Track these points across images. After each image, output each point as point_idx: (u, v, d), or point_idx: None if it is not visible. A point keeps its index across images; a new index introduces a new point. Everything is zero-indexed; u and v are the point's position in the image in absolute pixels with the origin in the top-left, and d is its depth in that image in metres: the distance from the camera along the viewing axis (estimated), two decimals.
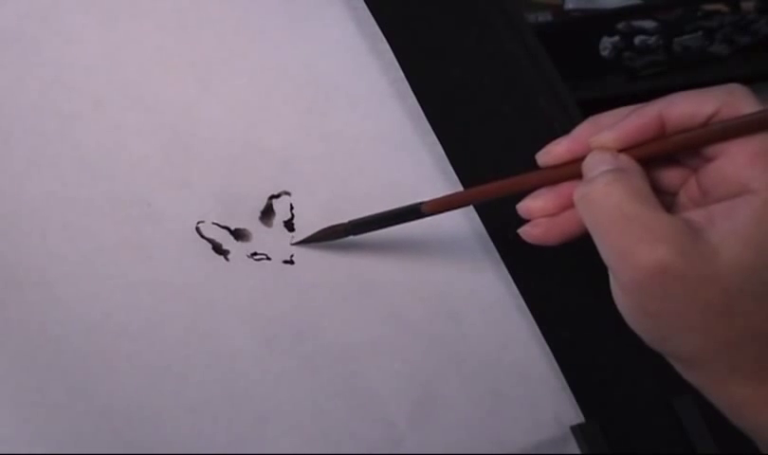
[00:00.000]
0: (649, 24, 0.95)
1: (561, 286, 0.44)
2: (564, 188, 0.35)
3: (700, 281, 0.30)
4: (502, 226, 0.44)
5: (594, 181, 0.32)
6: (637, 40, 0.94)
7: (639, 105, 0.34)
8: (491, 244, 0.44)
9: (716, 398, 0.32)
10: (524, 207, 0.36)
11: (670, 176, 0.34)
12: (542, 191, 0.36)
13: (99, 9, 0.45)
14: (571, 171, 0.34)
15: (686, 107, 0.32)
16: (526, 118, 0.50)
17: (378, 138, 0.46)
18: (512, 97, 0.51)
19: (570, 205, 0.34)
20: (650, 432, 0.42)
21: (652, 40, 0.94)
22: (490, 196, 0.37)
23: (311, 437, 0.37)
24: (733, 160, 0.31)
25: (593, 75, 0.94)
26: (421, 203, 0.39)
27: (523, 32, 0.53)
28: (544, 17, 0.96)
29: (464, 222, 0.44)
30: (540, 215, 0.35)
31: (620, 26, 0.94)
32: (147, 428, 0.35)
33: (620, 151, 0.33)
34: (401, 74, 0.48)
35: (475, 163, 0.47)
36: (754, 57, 0.96)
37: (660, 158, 0.34)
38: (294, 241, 0.42)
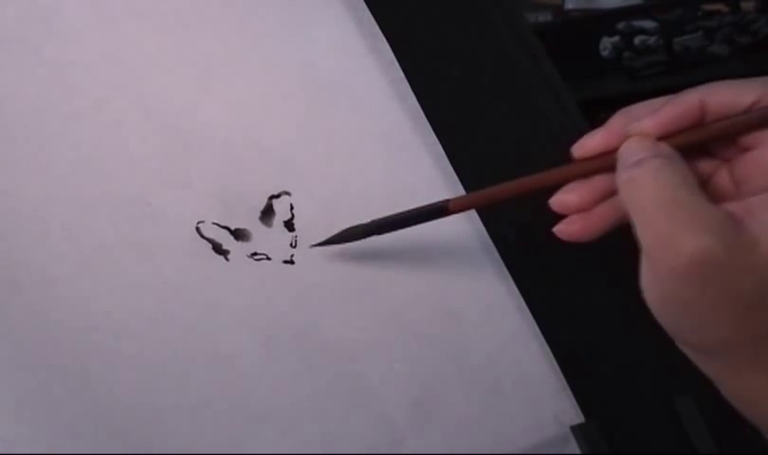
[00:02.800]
0: (648, 24, 0.95)
1: (561, 286, 0.44)
2: (597, 181, 0.35)
3: (738, 271, 0.29)
4: (502, 226, 0.44)
5: (641, 165, 0.32)
6: (637, 40, 0.94)
7: (676, 94, 0.33)
8: (491, 243, 0.44)
9: (731, 390, 0.32)
10: (558, 201, 0.35)
11: (701, 166, 0.34)
12: (574, 184, 0.35)
13: (99, 10, 0.45)
14: (603, 163, 0.34)
15: (727, 95, 0.32)
16: (526, 118, 0.50)
17: (378, 138, 0.46)
18: (512, 97, 0.51)
19: (603, 198, 0.34)
20: (650, 432, 0.42)
21: (652, 40, 0.94)
22: (520, 193, 0.36)
23: (311, 437, 0.37)
24: None
25: (593, 75, 0.94)
26: (447, 201, 0.38)
27: (523, 32, 0.53)
28: (544, 17, 0.97)
29: (464, 222, 0.44)
30: (576, 209, 0.35)
31: (620, 26, 0.94)
32: (147, 428, 0.35)
33: (659, 139, 0.33)
34: (401, 74, 0.48)
35: (475, 163, 0.47)
36: (754, 57, 0.96)
37: (697, 147, 0.33)
38: (312, 244, 0.41)
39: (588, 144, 0.35)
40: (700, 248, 0.29)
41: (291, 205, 0.43)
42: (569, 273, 0.45)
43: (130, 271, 0.39)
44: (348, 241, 0.41)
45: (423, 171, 0.46)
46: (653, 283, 0.31)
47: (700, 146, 0.34)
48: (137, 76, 0.44)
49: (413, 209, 0.39)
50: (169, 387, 0.36)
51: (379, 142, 0.46)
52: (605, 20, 0.94)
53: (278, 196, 0.43)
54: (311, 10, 0.49)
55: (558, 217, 0.37)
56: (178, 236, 0.40)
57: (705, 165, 0.34)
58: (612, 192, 0.35)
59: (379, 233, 0.40)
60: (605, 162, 0.34)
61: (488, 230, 0.44)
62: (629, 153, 0.33)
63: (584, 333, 0.44)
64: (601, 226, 0.35)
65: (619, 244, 0.45)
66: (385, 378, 0.39)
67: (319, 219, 0.42)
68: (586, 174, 0.35)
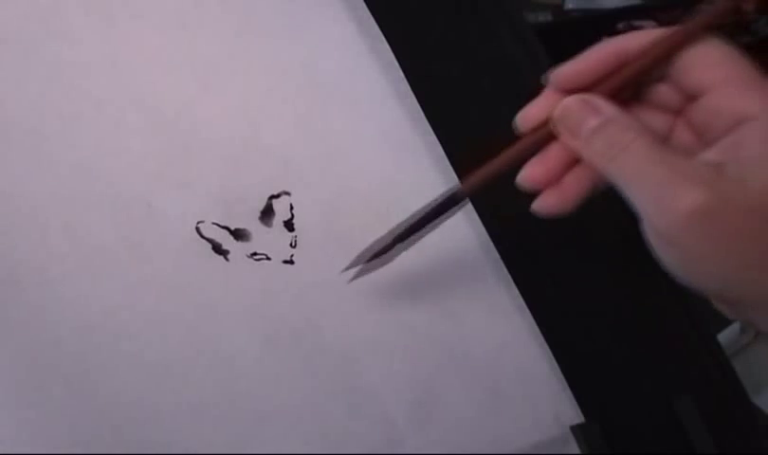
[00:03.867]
0: (648, 24, 0.95)
1: (561, 286, 0.44)
2: (555, 150, 0.35)
3: (739, 214, 0.30)
4: (502, 226, 0.44)
5: (617, 143, 0.32)
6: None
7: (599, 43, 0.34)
8: (491, 244, 0.44)
9: None
10: (525, 176, 0.35)
11: (656, 123, 0.35)
12: (536, 158, 0.35)
13: (99, 9, 0.45)
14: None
15: (646, 37, 0.33)
16: None
17: (378, 138, 0.46)
18: (512, 97, 0.50)
19: (569, 165, 0.35)
20: (650, 432, 0.42)
21: None
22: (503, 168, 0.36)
23: (311, 437, 0.37)
24: (723, 94, 0.31)
25: None
26: (456, 187, 0.37)
27: (523, 32, 0.53)
28: (544, 17, 0.96)
29: (464, 222, 0.44)
30: (545, 181, 0.35)
31: (620, 26, 0.94)
32: (147, 428, 0.35)
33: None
34: (401, 74, 0.48)
35: (475, 164, 0.47)
36: (754, 57, 0.96)
37: (628, 89, 0.34)
38: (349, 277, 0.39)
39: (529, 114, 0.35)
40: (693, 201, 0.30)
41: (291, 205, 0.43)
42: (569, 273, 0.45)
43: (130, 271, 0.39)
44: (377, 260, 0.38)
45: (423, 171, 0.46)
46: (665, 249, 0.32)
47: (631, 86, 0.34)
48: (137, 76, 0.44)
49: (428, 207, 0.37)
50: (169, 387, 0.36)
51: (379, 142, 0.46)
52: (605, 20, 0.94)
53: (278, 196, 0.43)
54: (311, 10, 0.49)
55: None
56: (178, 236, 0.40)
57: (661, 120, 0.35)
58: (577, 159, 0.35)
59: (403, 240, 0.38)
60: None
61: (488, 230, 0.44)
62: (574, 118, 0.33)
63: (584, 333, 0.44)
64: (576, 193, 0.35)
65: (619, 244, 0.45)
66: (385, 378, 0.39)
67: (319, 219, 0.42)
68: (542, 144, 0.35)
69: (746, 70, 0.31)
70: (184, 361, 0.37)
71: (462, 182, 0.37)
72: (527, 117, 0.36)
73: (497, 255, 0.44)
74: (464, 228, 0.44)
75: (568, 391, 0.41)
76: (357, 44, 0.49)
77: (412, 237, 0.37)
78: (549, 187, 0.35)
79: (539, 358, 0.42)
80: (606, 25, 0.94)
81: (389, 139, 0.46)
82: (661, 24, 0.94)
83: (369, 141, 0.46)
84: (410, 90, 0.48)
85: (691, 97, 0.33)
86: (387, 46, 0.49)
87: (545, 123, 0.35)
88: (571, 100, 0.34)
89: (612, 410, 0.42)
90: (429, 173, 0.46)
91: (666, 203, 0.30)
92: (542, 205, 0.35)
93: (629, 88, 0.34)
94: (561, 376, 0.41)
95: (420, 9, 0.52)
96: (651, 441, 0.42)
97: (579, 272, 0.45)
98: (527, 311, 0.43)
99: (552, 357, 0.42)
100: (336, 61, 0.48)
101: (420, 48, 0.50)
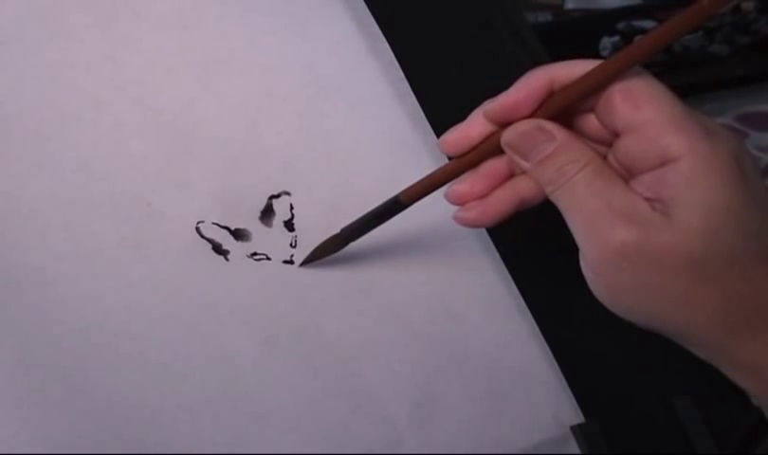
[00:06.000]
0: (648, 24, 0.95)
1: (561, 286, 0.44)
2: (485, 168, 0.35)
3: (662, 250, 0.30)
4: (502, 226, 0.44)
5: (565, 174, 0.32)
6: (637, 40, 0.94)
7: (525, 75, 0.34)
8: (491, 243, 0.44)
9: (732, 370, 0.32)
10: (451, 192, 0.36)
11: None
12: (466, 174, 0.36)
13: (99, 9, 0.45)
14: (489, 151, 0.35)
15: (571, 70, 0.34)
16: None
17: (378, 138, 0.46)
18: None
19: (497, 183, 0.35)
20: (650, 432, 0.42)
21: None
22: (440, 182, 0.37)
23: (311, 437, 0.37)
24: (646, 134, 0.31)
25: None
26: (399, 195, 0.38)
27: (523, 32, 0.53)
28: (544, 17, 0.96)
29: None
30: (470, 197, 0.36)
31: (620, 26, 0.94)
32: (147, 428, 0.35)
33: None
34: (401, 74, 0.48)
35: None
36: (754, 57, 0.96)
37: (556, 119, 0.34)
38: (300, 262, 0.41)
39: (449, 139, 0.36)
40: (621, 238, 0.30)
41: (291, 205, 0.43)
42: (569, 273, 0.45)
43: (130, 271, 0.39)
44: (328, 254, 0.41)
45: (423, 171, 0.46)
46: (595, 280, 0.33)
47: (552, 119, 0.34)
48: (137, 76, 0.44)
49: (374, 209, 0.39)
50: (169, 387, 0.36)
51: (379, 142, 0.46)
52: (605, 20, 0.94)
53: (278, 196, 0.43)
54: (311, 10, 0.49)
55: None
56: (178, 236, 0.40)
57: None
58: (506, 176, 0.36)
59: (353, 240, 0.40)
60: (489, 149, 0.35)
61: (488, 231, 0.44)
62: (527, 145, 0.33)
63: (584, 333, 0.44)
64: (500, 209, 0.35)
65: None
66: (385, 378, 0.39)
67: (319, 219, 0.42)
68: (475, 164, 0.36)
69: (672, 109, 0.31)
70: (184, 361, 0.37)
71: (403, 191, 0.38)
72: (449, 141, 0.36)
73: (497, 255, 0.44)
74: (464, 229, 0.44)
75: (568, 391, 0.41)
76: (357, 44, 0.49)
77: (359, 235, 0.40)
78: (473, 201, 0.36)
79: (539, 358, 0.42)
80: (606, 25, 0.94)
81: (389, 139, 0.46)
82: (661, 23, 0.94)
83: (369, 141, 0.46)
84: (410, 90, 0.48)
85: (616, 133, 0.33)
86: (387, 46, 0.49)
87: (486, 143, 0.35)
88: (525, 126, 0.34)
89: (612, 410, 0.42)
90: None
91: (595, 235, 0.31)
92: (463, 216, 0.36)
93: (556, 119, 0.34)
94: (561, 376, 0.41)
95: (420, 9, 0.52)
96: (651, 441, 0.42)
97: (579, 272, 0.45)
98: (527, 311, 0.43)
99: (552, 357, 0.42)
100: (336, 61, 0.48)
101: (420, 48, 0.50)
